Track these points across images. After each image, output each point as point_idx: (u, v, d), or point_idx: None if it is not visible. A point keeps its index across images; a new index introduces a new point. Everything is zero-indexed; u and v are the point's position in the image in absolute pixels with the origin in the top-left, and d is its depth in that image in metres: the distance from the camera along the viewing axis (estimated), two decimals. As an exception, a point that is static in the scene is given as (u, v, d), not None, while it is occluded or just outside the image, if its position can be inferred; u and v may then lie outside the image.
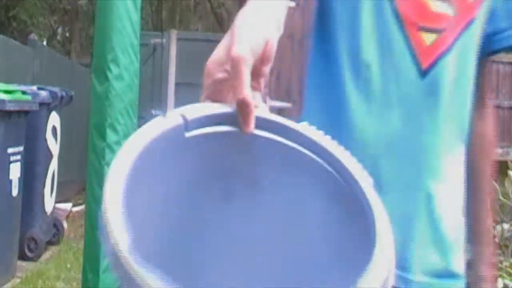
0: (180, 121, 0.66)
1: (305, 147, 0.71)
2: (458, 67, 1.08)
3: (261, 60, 0.73)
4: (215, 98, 0.73)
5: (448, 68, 1.07)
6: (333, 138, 0.72)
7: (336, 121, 1.05)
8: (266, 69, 0.75)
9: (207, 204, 0.71)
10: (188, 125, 0.66)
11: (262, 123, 0.70)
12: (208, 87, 0.74)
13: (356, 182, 0.67)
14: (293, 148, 0.71)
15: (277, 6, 0.83)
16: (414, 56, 1.05)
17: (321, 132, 0.72)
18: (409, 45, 1.05)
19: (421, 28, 1.06)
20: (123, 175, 0.59)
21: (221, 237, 0.72)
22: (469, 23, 1.08)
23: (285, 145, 0.71)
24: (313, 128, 0.72)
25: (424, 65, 1.06)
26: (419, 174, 1.06)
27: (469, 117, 1.13)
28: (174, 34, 8.57)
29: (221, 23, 16.46)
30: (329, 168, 0.70)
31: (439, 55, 1.06)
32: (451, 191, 1.11)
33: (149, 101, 8.13)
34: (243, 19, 0.76)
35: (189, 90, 9.50)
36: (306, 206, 0.72)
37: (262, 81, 0.75)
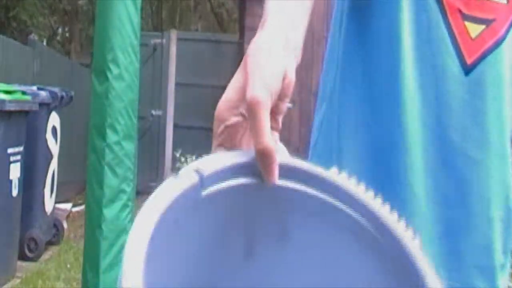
0: (195, 179, 0.59)
1: (336, 198, 0.63)
2: None
3: (279, 97, 0.65)
4: (229, 145, 0.64)
5: (499, 66, 0.93)
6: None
7: (379, 115, 0.94)
8: (284, 106, 0.66)
9: (228, 262, 0.65)
10: (204, 182, 0.59)
11: (285, 172, 0.62)
12: (220, 134, 0.65)
13: (396, 237, 0.61)
14: (322, 199, 0.63)
15: (295, 31, 0.72)
16: (457, 49, 0.92)
17: (353, 181, 0.64)
18: (451, 36, 0.92)
19: (466, 17, 0.92)
20: (141, 248, 0.53)
21: None
22: None
23: (312, 195, 0.63)
24: (343, 175, 0.64)
25: (469, 60, 0.92)
26: (460, 191, 0.92)
27: None
28: (174, 34, 8.56)
29: (221, 23, 16.45)
30: (363, 221, 0.62)
31: (486, 49, 0.92)
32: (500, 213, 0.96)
33: (149, 101, 8.13)
34: (257, 54, 0.66)
35: (189, 90, 9.52)
36: (339, 262, 0.65)
37: (280, 119, 0.67)
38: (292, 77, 0.67)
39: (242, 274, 0.65)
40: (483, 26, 0.92)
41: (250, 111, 0.61)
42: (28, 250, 4.83)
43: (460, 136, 0.92)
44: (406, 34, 0.93)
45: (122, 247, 2.87)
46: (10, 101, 4.11)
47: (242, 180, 0.62)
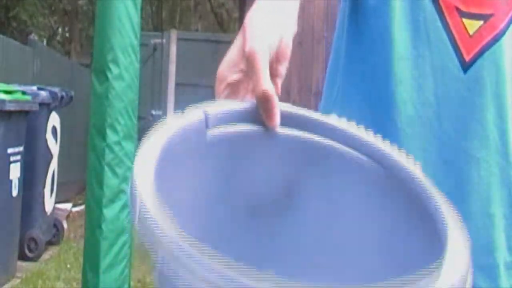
0: (201, 116, 0.61)
1: (343, 143, 0.63)
2: None
3: (277, 59, 0.69)
4: None
5: (498, 61, 0.91)
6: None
7: (377, 115, 0.94)
8: (283, 68, 0.71)
9: (232, 215, 0.64)
10: (208, 121, 0.62)
11: (287, 119, 0.64)
12: (222, 92, 0.68)
13: (414, 179, 0.59)
14: (329, 145, 0.64)
15: (288, 4, 0.76)
16: (455, 47, 0.91)
17: (353, 124, 0.65)
18: (449, 34, 0.91)
19: (464, 14, 0.90)
20: (151, 162, 0.53)
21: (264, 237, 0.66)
22: None
23: (318, 142, 0.64)
24: (344, 120, 0.65)
25: (467, 58, 0.91)
26: (460, 189, 0.91)
27: None
28: (174, 34, 8.56)
29: (221, 23, 16.46)
30: (375, 164, 0.61)
31: (484, 45, 0.90)
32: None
33: (149, 101, 8.13)
34: (254, 18, 0.70)
35: (189, 90, 9.54)
36: (349, 204, 0.64)
37: (279, 82, 0.70)
38: (288, 41, 0.70)
39: (247, 229, 0.65)
40: (481, 22, 0.90)
41: (249, 62, 0.65)
42: (28, 250, 4.83)
43: (460, 135, 0.91)
44: (402, 34, 0.92)
45: (122, 247, 2.87)
46: (10, 101, 4.11)
47: (245, 127, 0.63)
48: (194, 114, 0.61)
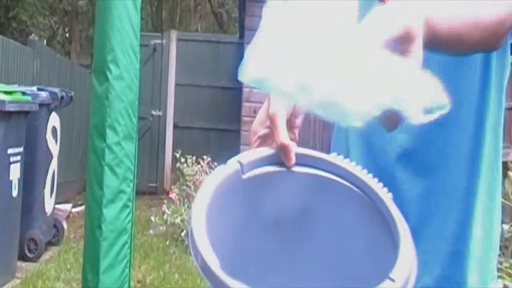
0: (237, 166, 0.85)
1: (343, 178, 0.86)
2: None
3: (294, 114, 0.93)
4: None
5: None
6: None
7: None
8: (299, 120, 0.95)
9: (260, 227, 0.89)
10: (243, 168, 0.85)
11: (304, 158, 0.87)
12: (255, 142, 0.95)
13: (381, 200, 0.82)
14: (333, 180, 0.86)
15: None
16: None
17: (347, 160, 0.88)
18: None
19: None
20: (203, 210, 0.77)
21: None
22: None
23: (324, 177, 0.87)
24: (341, 157, 0.88)
25: None
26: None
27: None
28: (174, 34, 8.56)
29: (221, 23, 16.46)
30: (359, 192, 0.85)
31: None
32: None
33: (149, 101, 8.13)
34: None
35: (189, 90, 9.48)
36: (345, 223, 0.87)
37: (297, 131, 0.95)
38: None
39: (271, 236, 0.88)
40: None
41: (271, 121, 0.89)
42: (28, 251, 4.83)
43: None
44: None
45: (122, 248, 2.87)
46: (10, 102, 4.11)
47: (271, 168, 0.87)
48: (232, 165, 0.85)
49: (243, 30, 7.92)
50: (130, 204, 2.90)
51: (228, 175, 0.84)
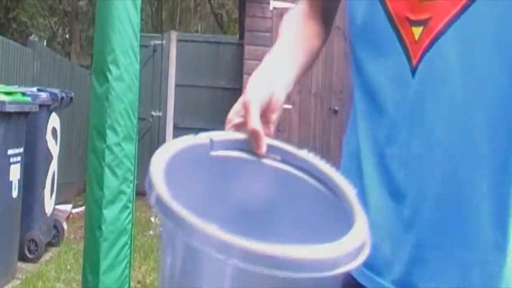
0: (207, 140, 0.86)
1: (307, 173, 0.87)
2: (465, 57, 0.91)
3: (270, 109, 0.93)
4: None
5: (441, 63, 0.92)
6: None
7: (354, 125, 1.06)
8: (275, 116, 0.94)
9: (224, 215, 0.85)
10: (213, 145, 0.86)
11: (272, 149, 0.88)
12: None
13: (343, 193, 0.83)
14: (297, 176, 0.87)
15: (290, 63, 1.03)
16: (407, 54, 0.94)
17: (315, 156, 0.88)
18: (401, 43, 0.95)
19: (413, 23, 0.94)
20: (163, 162, 0.77)
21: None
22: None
23: (291, 173, 0.88)
24: (311, 154, 0.88)
25: (414, 62, 0.94)
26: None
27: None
28: (174, 35, 8.56)
29: (221, 24, 16.46)
30: (324, 189, 0.86)
31: (424, 48, 0.93)
32: None
33: (149, 102, 8.13)
34: (254, 76, 0.96)
35: (189, 91, 9.49)
36: (308, 220, 0.88)
37: (272, 127, 0.94)
38: (279, 96, 0.95)
39: (235, 223, 0.82)
40: (421, 27, 0.93)
41: (244, 108, 0.90)
42: (28, 251, 4.83)
43: (409, 138, 0.95)
44: (360, 50, 1.02)
45: (122, 248, 2.87)
46: (10, 103, 4.11)
47: (241, 154, 0.88)
48: (202, 138, 0.85)
49: (243, 31, 7.93)
50: (130, 205, 2.90)
51: (197, 144, 0.84)
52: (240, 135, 0.88)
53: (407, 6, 0.95)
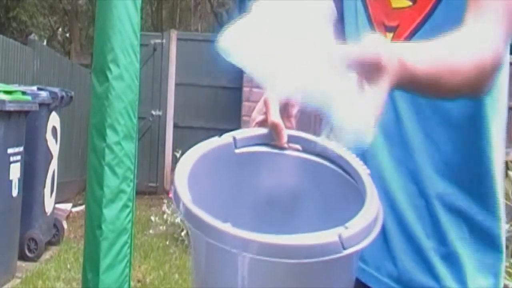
0: (230, 140, 0.91)
1: (328, 160, 0.91)
2: None
3: (290, 104, 0.96)
4: None
5: None
6: None
7: None
8: (295, 111, 0.97)
9: (251, 207, 0.93)
10: (236, 143, 0.91)
11: (294, 139, 0.92)
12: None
13: (358, 175, 0.87)
14: (318, 162, 0.91)
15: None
16: None
17: (335, 144, 0.91)
18: None
19: (387, 28, 1.00)
20: (186, 169, 0.82)
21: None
22: (434, 5, 0.95)
23: (312, 160, 0.91)
24: (331, 142, 0.92)
25: None
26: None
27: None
28: (174, 34, 8.56)
29: (221, 23, 16.45)
30: (338, 169, 0.91)
31: None
32: None
33: (149, 101, 8.12)
34: None
35: (189, 90, 9.47)
36: (332, 202, 0.92)
37: (293, 121, 0.97)
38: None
39: (261, 214, 0.92)
40: (391, 34, 1.00)
41: (265, 104, 0.93)
42: (28, 250, 4.83)
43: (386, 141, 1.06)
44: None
45: (122, 247, 2.87)
46: (10, 101, 4.11)
47: (264, 148, 0.92)
48: (226, 138, 0.90)
49: (243, 30, 7.90)
50: (130, 204, 2.90)
51: (221, 145, 0.89)
52: (262, 131, 0.92)
53: (383, 11, 1.01)
